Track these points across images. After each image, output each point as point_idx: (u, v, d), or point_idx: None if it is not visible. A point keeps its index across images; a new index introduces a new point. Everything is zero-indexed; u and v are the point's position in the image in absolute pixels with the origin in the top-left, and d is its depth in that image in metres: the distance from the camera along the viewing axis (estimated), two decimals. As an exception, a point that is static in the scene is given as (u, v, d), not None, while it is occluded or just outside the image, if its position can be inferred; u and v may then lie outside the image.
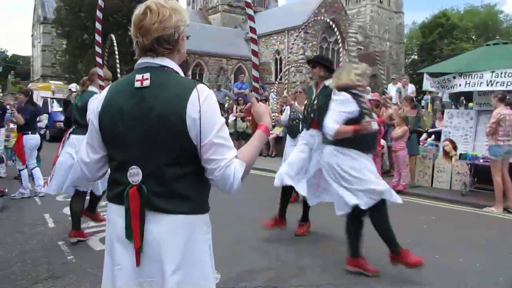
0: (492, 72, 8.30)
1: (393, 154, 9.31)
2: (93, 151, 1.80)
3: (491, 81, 8.32)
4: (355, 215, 4.09)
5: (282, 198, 5.44)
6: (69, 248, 4.86)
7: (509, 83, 8.07)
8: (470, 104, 13.35)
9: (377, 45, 50.54)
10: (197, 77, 41.42)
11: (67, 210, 6.50)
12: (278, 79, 30.61)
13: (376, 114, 5.19)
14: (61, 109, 17.66)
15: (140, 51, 1.72)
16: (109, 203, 1.77)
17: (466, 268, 4.41)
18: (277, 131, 13.55)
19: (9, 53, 72.93)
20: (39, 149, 10.28)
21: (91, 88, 5.10)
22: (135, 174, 1.63)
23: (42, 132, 12.35)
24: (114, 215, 1.72)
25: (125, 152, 1.68)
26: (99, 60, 3.46)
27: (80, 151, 1.87)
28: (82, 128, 4.72)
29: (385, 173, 9.92)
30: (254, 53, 1.94)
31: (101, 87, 4.65)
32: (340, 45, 24.18)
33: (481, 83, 8.47)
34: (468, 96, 12.01)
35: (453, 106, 14.10)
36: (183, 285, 1.62)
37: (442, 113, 11.06)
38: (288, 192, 5.43)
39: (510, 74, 8.09)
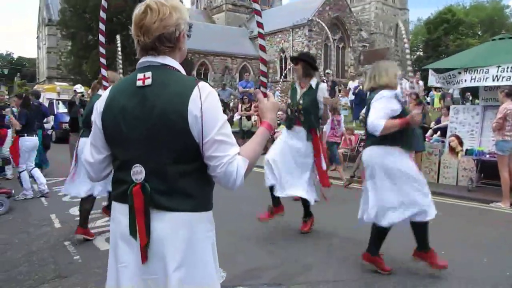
0: (498, 67, 8.23)
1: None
2: (97, 151, 1.81)
3: (497, 76, 8.25)
4: None
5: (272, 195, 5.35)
6: (75, 248, 4.88)
7: (515, 78, 7.99)
8: (477, 101, 13.25)
9: (382, 42, 50.40)
10: (202, 77, 41.53)
11: (73, 211, 6.56)
12: (282, 77, 30.66)
13: None
14: (66, 110, 17.74)
15: (142, 50, 1.72)
16: (113, 202, 1.77)
17: (473, 263, 4.39)
18: (282, 129, 13.50)
19: (15, 56, 73.44)
20: (46, 149, 10.37)
21: (101, 92, 5.13)
22: (138, 172, 1.64)
23: (49, 133, 12.44)
24: (118, 214, 1.72)
25: (127, 151, 1.68)
26: (103, 61, 3.46)
27: (84, 152, 1.88)
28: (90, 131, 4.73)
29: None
30: (262, 48, 1.93)
31: (105, 88, 4.66)
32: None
33: (486, 78, 8.40)
34: (474, 91, 11.94)
35: (460, 102, 14.04)
36: (185, 282, 1.62)
37: (448, 109, 11.00)
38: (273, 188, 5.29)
39: (517, 69, 8.02)
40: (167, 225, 1.62)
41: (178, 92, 1.62)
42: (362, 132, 10.99)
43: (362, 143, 10.40)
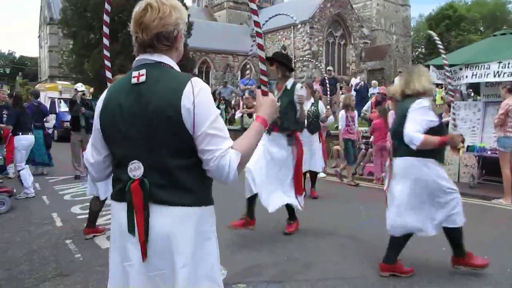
0: (500, 62, 8.18)
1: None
2: (97, 152, 1.83)
3: (498, 72, 8.20)
4: None
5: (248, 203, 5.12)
6: (76, 247, 4.90)
7: (517, 74, 7.95)
8: (479, 97, 13.20)
9: (383, 39, 50.29)
10: (204, 75, 41.53)
11: (74, 209, 6.59)
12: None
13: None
14: (67, 109, 17.77)
15: (139, 47, 1.74)
16: (112, 200, 1.79)
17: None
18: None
19: (17, 55, 73.55)
20: (48, 147, 10.38)
21: None
22: (136, 169, 1.65)
23: (50, 131, 12.45)
24: (118, 212, 1.74)
25: (125, 148, 1.70)
26: (107, 63, 3.44)
27: (86, 152, 1.90)
28: None
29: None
30: (260, 46, 1.94)
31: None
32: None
33: (488, 74, 8.36)
34: (476, 88, 11.89)
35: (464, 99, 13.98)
36: (193, 277, 1.64)
37: (449, 105, 10.95)
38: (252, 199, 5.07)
39: (518, 65, 7.97)
40: (167, 219, 1.63)
41: (171, 88, 1.64)
42: (363, 129, 10.97)
43: (363, 140, 10.38)
